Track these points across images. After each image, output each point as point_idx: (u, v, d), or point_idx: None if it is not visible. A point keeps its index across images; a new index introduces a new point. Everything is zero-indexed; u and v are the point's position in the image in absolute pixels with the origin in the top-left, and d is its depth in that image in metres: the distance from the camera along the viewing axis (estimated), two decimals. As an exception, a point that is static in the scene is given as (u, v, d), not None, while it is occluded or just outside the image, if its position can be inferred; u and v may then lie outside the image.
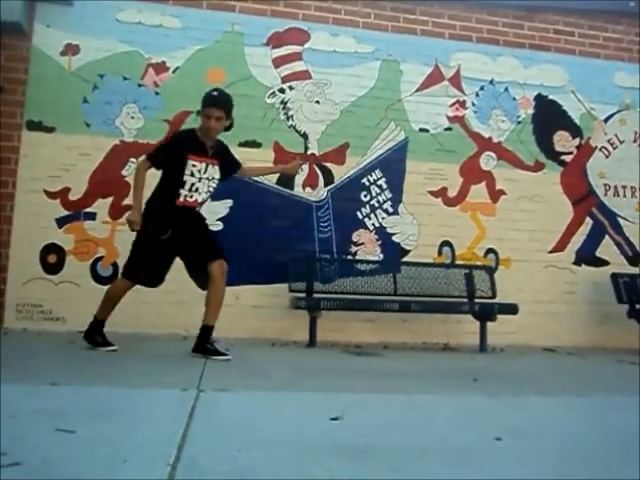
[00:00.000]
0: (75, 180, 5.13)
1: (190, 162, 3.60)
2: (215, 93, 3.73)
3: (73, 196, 5.11)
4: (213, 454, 1.51)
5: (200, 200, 3.72)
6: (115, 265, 5.09)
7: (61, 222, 5.07)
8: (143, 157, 3.85)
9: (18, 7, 4.92)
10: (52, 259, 5.02)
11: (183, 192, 3.62)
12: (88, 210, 5.12)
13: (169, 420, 1.86)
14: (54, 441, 1.56)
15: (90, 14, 5.30)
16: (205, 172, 3.67)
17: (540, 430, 1.99)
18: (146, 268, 3.66)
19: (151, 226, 3.59)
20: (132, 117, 5.27)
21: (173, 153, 3.63)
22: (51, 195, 5.08)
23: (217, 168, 3.74)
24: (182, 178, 3.59)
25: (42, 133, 5.11)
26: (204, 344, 3.59)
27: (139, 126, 5.27)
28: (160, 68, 5.37)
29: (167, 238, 3.59)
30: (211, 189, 3.75)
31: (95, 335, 3.73)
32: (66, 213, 5.10)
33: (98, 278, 5.08)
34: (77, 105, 5.19)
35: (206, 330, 3.63)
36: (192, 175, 3.61)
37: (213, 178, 3.73)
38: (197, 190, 3.65)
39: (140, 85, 5.33)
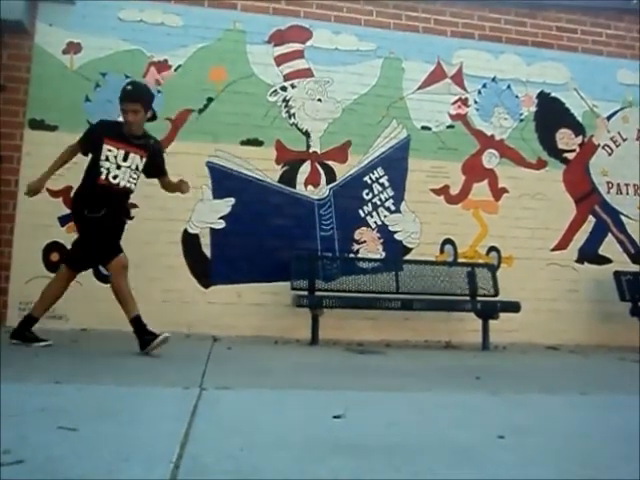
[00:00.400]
0: (77, 178, 5.08)
1: (106, 147, 3.66)
2: (129, 87, 3.75)
3: (75, 194, 5.11)
4: (216, 452, 1.51)
5: (122, 185, 3.72)
6: (117, 263, 5.08)
7: (63, 220, 5.07)
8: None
9: (20, 6, 4.93)
10: (55, 257, 5.02)
11: (103, 174, 3.68)
12: (90, 208, 5.11)
13: (171, 418, 1.86)
14: (56, 439, 1.56)
15: (92, 13, 5.30)
16: (125, 160, 3.70)
17: (542, 428, 1.98)
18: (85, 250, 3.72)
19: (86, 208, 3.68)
20: (134, 115, 5.26)
21: (92, 137, 3.76)
22: (53, 194, 5.07)
23: (140, 159, 3.77)
24: (99, 162, 3.67)
25: (44, 132, 5.11)
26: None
27: (141, 124, 5.26)
28: (162, 66, 5.37)
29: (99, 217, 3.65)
30: (133, 178, 3.77)
31: (26, 332, 3.74)
32: (68, 212, 5.09)
33: (101, 277, 5.08)
34: (79, 103, 5.19)
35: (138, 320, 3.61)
36: (107, 160, 3.67)
37: (137, 168, 3.76)
38: (116, 177, 3.69)
39: (142, 83, 5.32)
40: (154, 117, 3.90)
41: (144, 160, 3.80)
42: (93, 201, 3.69)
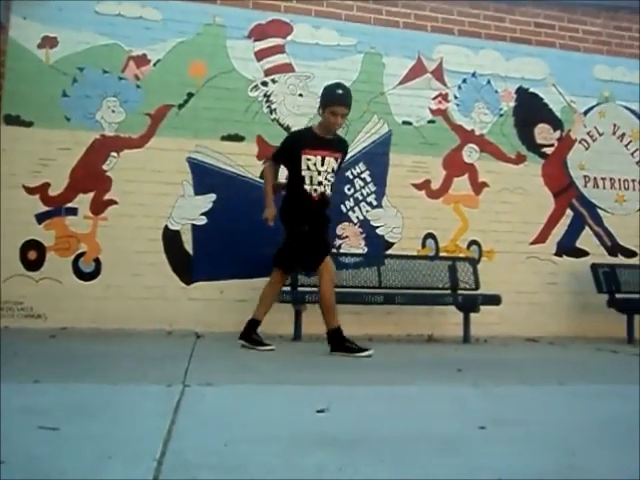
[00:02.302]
0: (55, 175, 5.05)
1: (305, 157, 3.83)
2: (341, 91, 3.86)
3: (53, 191, 5.03)
4: (199, 448, 1.51)
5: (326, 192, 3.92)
6: (97, 261, 5.04)
7: (41, 218, 4.99)
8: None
9: (-7, -2, 4.82)
10: (32, 255, 4.94)
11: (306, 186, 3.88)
12: (69, 205, 5.05)
13: (154, 416, 1.85)
14: (37, 439, 1.54)
15: (68, 6, 5.19)
16: (322, 165, 3.84)
17: (522, 418, 2.02)
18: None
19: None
20: (113, 111, 5.20)
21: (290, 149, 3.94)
22: (30, 190, 4.99)
23: (336, 161, 3.94)
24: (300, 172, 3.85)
25: (20, 127, 5.01)
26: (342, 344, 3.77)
27: (120, 120, 5.20)
28: (141, 61, 5.30)
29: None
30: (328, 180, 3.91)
31: (253, 335, 3.95)
32: (46, 209, 5.02)
33: (80, 274, 5.02)
34: (56, 99, 5.10)
35: (337, 332, 3.82)
36: (308, 169, 3.83)
37: (333, 170, 3.91)
38: (320, 183, 3.86)
39: (121, 78, 5.25)
40: None
41: (339, 161, 3.98)
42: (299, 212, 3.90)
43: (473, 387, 2.64)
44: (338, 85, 3.93)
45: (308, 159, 3.82)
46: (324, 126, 3.90)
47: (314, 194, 3.84)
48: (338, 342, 3.78)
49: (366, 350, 3.71)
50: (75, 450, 1.45)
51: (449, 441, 1.67)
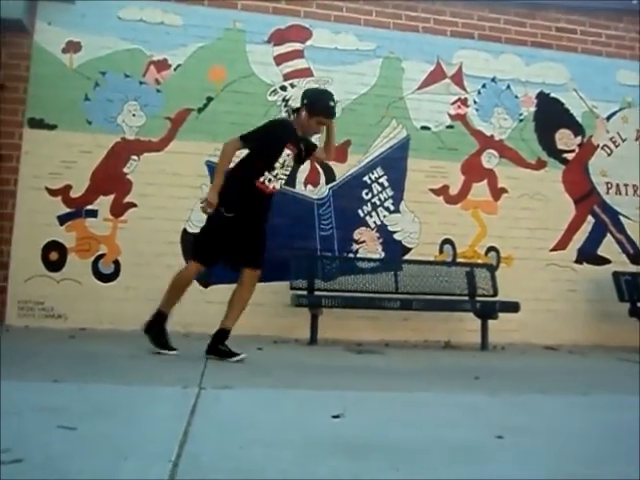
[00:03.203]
0: (76, 177, 5.13)
1: (287, 150, 3.65)
2: (334, 104, 3.72)
3: (74, 193, 5.11)
4: (215, 451, 1.51)
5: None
6: (117, 263, 5.10)
7: (63, 219, 5.08)
8: None
9: (20, 5, 4.92)
10: (54, 256, 5.02)
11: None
12: (89, 207, 5.12)
13: (170, 417, 1.86)
14: (56, 438, 1.56)
15: (91, 12, 5.29)
16: (292, 161, 3.73)
17: (541, 428, 1.99)
18: None
19: None
20: (133, 114, 5.27)
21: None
22: (52, 192, 5.08)
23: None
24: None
25: (44, 130, 5.11)
26: (216, 346, 3.55)
27: (140, 123, 5.27)
28: (161, 66, 5.37)
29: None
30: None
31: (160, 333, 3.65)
32: (67, 210, 5.10)
33: (99, 275, 5.09)
34: (78, 102, 5.19)
35: (222, 333, 3.61)
36: (283, 162, 3.67)
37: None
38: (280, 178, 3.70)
39: (141, 83, 5.32)
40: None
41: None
42: None
43: (490, 395, 2.61)
44: (331, 96, 3.76)
45: (288, 154, 3.65)
46: (303, 128, 3.71)
47: (270, 187, 3.63)
48: (218, 343, 3.57)
49: (238, 355, 3.50)
50: (92, 450, 1.47)
51: (465, 450, 1.65)
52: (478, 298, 5.27)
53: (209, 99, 5.40)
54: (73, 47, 5.24)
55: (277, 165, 3.63)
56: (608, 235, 6.02)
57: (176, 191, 5.18)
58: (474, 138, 5.88)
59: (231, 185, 3.57)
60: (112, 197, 5.16)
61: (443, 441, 1.75)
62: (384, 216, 5.62)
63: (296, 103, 5.59)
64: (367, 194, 5.61)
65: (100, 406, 2.00)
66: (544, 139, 6.03)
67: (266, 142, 3.60)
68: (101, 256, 5.10)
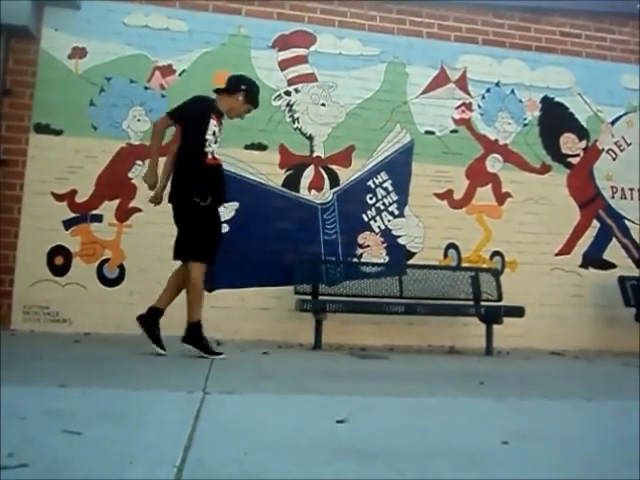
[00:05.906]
0: (82, 182, 5.16)
1: (212, 121, 3.79)
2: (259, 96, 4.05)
3: (80, 198, 5.14)
4: (219, 456, 1.51)
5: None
6: (121, 267, 5.11)
7: (68, 224, 5.10)
8: None
9: (26, 11, 4.96)
10: (59, 261, 5.04)
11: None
12: (95, 212, 5.15)
13: (175, 422, 1.86)
14: (61, 443, 1.56)
15: (97, 17, 5.33)
16: (220, 133, 3.86)
17: (547, 434, 1.98)
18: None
19: None
20: (138, 120, 5.30)
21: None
22: (58, 197, 5.10)
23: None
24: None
25: (50, 136, 5.15)
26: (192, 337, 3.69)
27: (145, 129, 5.28)
28: (166, 71, 5.40)
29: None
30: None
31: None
32: (73, 215, 5.13)
33: (104, 280, 5.10)
34: (84, 108, 5.22)
35: (197, 327, 3.72)
36: (214, 134, 3.78)
37: None
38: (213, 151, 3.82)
39: (147, 88, 5.35)
40: None
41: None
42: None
43: (496, 400, 2.59)
44: (258, 89, 4.03)
45: (215, 124, 3.77)
46: (230, 109, 3.91)
47: (218, 157, 3.78)
48: (195, 336, 3.65)
49: (219, 354, 3.59)
50: (97, 454, 1.47)
51: (471, 455, 1.64)
52: (483, 303, 5.26)
53: (214, 104, 5.41)
54: (79, 53, 5.28)
55: (209, 137, 3.72)
56: (613, 239, 6.00)
57: (181, 196, 5.19)
58: (478, 142, 5.88)
59: (189, 173, 3.66)
60: (117, 202, 5.19)
61: (448, 446, 1.74)
62: (388, 220, 5.62)
63: (300, 108, 5.67)
64: (371, 199, 5.61)
65: (105, 411, 2.00)
66: (549, 143, 6.02)
67: (193, 115, 3.72)
68: (106, 261, 5.12)
